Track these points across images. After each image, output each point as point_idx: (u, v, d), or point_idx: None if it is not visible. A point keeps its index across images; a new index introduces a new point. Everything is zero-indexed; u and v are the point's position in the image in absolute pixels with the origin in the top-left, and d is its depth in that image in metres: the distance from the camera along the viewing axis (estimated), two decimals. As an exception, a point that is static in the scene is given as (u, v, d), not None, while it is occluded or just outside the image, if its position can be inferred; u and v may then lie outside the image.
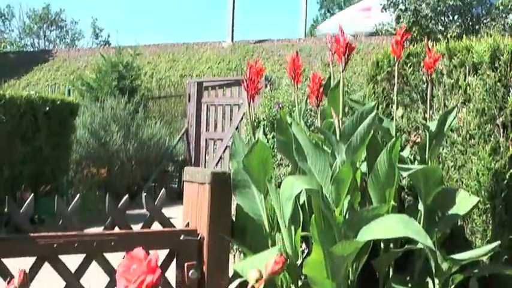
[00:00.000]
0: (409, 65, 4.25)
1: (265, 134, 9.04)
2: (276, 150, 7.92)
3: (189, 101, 12.35)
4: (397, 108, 4.01)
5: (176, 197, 11.63)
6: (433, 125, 3.58)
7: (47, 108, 9.43)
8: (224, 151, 11.58)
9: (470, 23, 17.81)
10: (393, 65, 4.19)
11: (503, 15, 17.23)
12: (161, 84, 20.26)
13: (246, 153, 3.16)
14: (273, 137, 9.02)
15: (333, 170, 3.11)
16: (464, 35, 13.25)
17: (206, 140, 12.27)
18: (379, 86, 4.39)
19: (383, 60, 4.39)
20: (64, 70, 27.97)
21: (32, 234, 3.07)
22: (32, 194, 3.44)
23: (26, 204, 3.11)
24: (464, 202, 3.61)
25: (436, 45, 4.32)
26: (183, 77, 22.79)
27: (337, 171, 3.03)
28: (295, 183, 3.00)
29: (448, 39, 13.77)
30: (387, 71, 4.34)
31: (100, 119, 11.55)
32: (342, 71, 3.28)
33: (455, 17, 18.19)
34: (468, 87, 3.90)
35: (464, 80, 3.92)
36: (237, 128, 11.26)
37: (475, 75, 3.87)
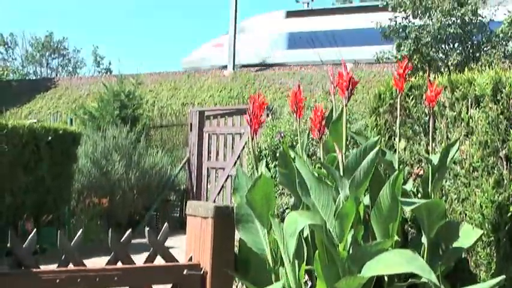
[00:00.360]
0: (411, 98, 4.26)
1: (267, 164, 9.06)
2: (278, 180, 7.91)
3: (191, 130, 12.37)
4: (399, 140, 4.01)
5: (178, 226, 11.60)
6: (435, 158, 3.58)
7: (50, 138, 9.44)
8: (226, 180, 11.57)
9: (471, 51, 17.86)
10: (395, 97, 4.20)
11: (504, 42, 17.28)
12: (163, 112, 20.31)
13: (249, 187, 3.16)
14: (274, 167, 9.02)
15: (337, 205, 3.11)
16: (465, 63, 13.24)
17: (208, 169, 12.26)
18: (381, 118, 4.39)
19: (385, 92, 4.40)
20: (66, 98, 28.07)
21: (34, 270, 3.06)
22: (35, 229, 3.43)
23: (28, 239, 3.09)
24: (468, 235, 3.60)
25: (437, 76, 4.34)
26: (184, 105, 22.85)
27: (341, 207, 3.03)
28: (299, 219, 2.99)
29: (449, 69, 13.77)
30: (389, 103, 4.35)
31: (102, 148, 11.55)
32: (345, 106, 3.29)
33: (456, 45, 18.25)
34: (471, 120, 3.90)
35: (467, 113, 3.93)
36: (238, 157, 11.26)
37: (478, 108, 3.88)
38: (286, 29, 27.58)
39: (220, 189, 11.81)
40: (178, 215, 12.81)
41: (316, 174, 3.43)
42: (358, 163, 3.14)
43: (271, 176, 8.21)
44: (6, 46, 49.14)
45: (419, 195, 3.91)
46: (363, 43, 24.42)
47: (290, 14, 28.46)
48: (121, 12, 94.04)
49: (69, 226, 9.86)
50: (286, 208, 8.28)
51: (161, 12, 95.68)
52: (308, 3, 38.16)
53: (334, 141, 3.41)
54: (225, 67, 26.34)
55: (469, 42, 18.04)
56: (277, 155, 8.89)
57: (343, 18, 26.97)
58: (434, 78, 4.30)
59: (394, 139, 4.23)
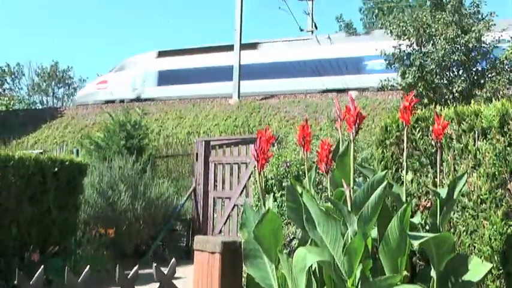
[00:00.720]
0: (417, 130, 4.27)
1: (273, 193, 9.04)
2: (284, 209, 7.89)
3: (197, 160, 12.36)
4: (406, 172, 4.00)
5: (185, 256, 11.55)
6: (443, 192, 3.57)
7: (56, 169, 9.43)
8: (232, 209, 11.53)
9: (476, 77, 17.90)
10: (402, 129, 4.20)
11: (508, 69, 17.33)
12: (168, 141, 20.34)
13: (256, 223, 3.15)
14: (281, 196, 9.02)
15: (345, 241, 3.09)
16: (469, 90, 13.23)
17: (214, 198, 12.24)
18: (388, 150, 4.39)
19: (391, 124, 4.40)
20: (72, 128, 28.18)
21: (41, 308, 3.05)
22: (42, 266, 3.42)
23: (35, 276, 3.09)
24: (477, 268, 3.57)
25: (443, 108, 4.34)
26: (190, 134, 22.92)
27: (349, 242, 3.02)
28: (308, 256, 2.98)
29: (454, 96, 13.74)
30: (396, 136, 4.35)
31: (108, 178, 11.54)
32: (352, 141, 3.29)
33: (460, 72, 18.29)
34: (478, 152, 3.90)
35: (474, 145, 3.93)
36: (244, 186, 11.24)
37: (485, 140, 3.88)
38: (156, 67, 30.74)
39: (227, 218, 11.77)
40: (184, 244, 12.75)
41: (324, 208, 3.42)
42: (366, 198, 3.13)
43: (278, 206, 8.23)
44: (12, 76, 49.51)
45: (427, 227, 3.89)
46: (220, 79, 28.01)
47: (161, 54, 31.75)
48: (122, 43, 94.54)
49: (75, 257, 9.82)
50: (293, 238, 8.26)
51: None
52: (312, 32, 38.52)
53: (341, 175, 3.40)
54: (111, 101, 29.79)
55: (474, 69, 18.09)
56: (283, 184, 8.91)
57: (205, 57, 30.09)
58: (441, 109, 4.30)
59: (401, 171, 4.22)
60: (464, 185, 3.59)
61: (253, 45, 29.70)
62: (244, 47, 27.96)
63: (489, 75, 17.77)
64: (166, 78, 30.19)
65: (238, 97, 25.90)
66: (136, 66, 31.46)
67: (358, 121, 3.28)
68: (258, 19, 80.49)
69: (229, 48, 28.22)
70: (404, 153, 3.83)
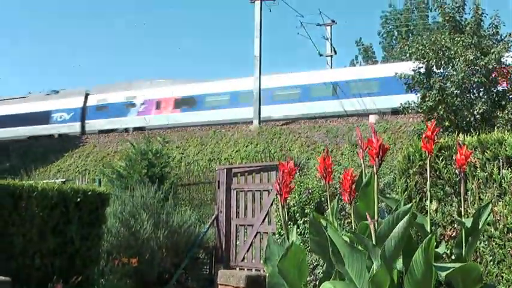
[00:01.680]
0: (441, 159, 4.24)
1: (295, 220, 9.01)
2: (307, 236, 7.85)
3: (219, 187, 12.33)
4: (430, 202, 3.97)
5: (207, 284, 11.51)
6: (468, 221, 3.53)
7: (78, 199, 9.47)
8: (255, 237, 11.48)
9: (496, 99, 17.81)
10: (425, 159, 4.17)
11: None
12: (190, 169, 20.38)
13: (280, 257, 3.14)
14: (303, 223, 8.98)
15: (371, 274, 3.07)
16: (491, 111, 13.15)
17: (236, 226, 12.19)
18: (411, 179, 4.36)
19: (414, 154, 4.37)
20: (94, 156, 28.36)
21: None
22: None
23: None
24: (505, 298, 3.52)
25: (465, 134, 4.31)
26: (211, 161, 22.97)
27: (374, 275, 2.99)
28: (334, 291, 2.96)
29: (475, 118, 13.65)
30: (419, 165, 4.32)
31: (130, 207, 11.55)
32: (376, 173, 3.27)
33: (481, 93, 18.21)
34: (503, 181, 3.86)
35: (499, 174, 3.89)
36: (267, 214, 11.19)
37: (510, 168, 3.84)
38: None
39: (250, 246, 11.71)
40: (207, 272, 12.70)
41: (348, 239, 3.40)
42: (391, 231, 3.10)
43: (300, 233, 8.18)
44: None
45: (452, 257, 3.84)
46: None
47: None
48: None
49: (98, 287, 9.83)
50: (317, 265, 8.21)
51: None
52: (332, 57, 38.63)
53: (365, 207, 3.38)
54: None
55: (494, 91, 18.01)
56: (306, 211, 8.87)
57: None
58: (464, 137, 4.27)
59: (425, 201, 4.19)
60: (489, 214, 3.55)
61: None
62: None
63: (510, 96, 17.69)
64: None
65: (259, 123, 25.94)
66: None
67: (381, 153, 3.26)
68: (277, 46, 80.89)
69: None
70: (428, 183, 3.80)
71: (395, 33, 56.26)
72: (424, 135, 3.69)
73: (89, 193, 9.72)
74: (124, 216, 11.42)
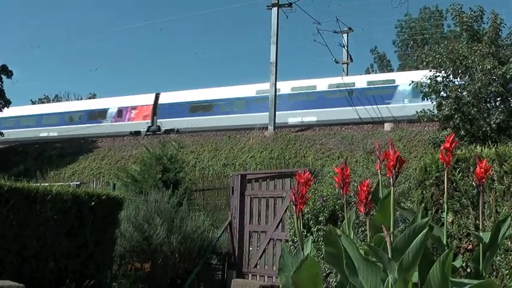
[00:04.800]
0: (458, 170, 4.20)
1: (309, 228, 8.98)
2: (320, 244, 7.82)
3: (233, 193, 12.33)
4: (446, 214, 3.93)
5: (220, 290, 11.52)
6: (486, 236, 3.49)
7: (93, 203, 9.48)
8: (268, 243, 11.46)
9: (513, 109, 17.71)
10: (441, 170, 4.13)
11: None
12: (204, 174, 20.40)
13: (295, 269, 3.11)
14: (317, 231, 8.95)
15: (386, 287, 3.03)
16: (507, 121, 13.04)
17: (250, 232, 12.18)
18: (427, 191, 4.32)
19: (431, 165, 4.34)
20: (109, 159, 28.43)
21: None
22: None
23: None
24: (521, 314, 3.48)
25: (482, 145, 4.27)
26: (225, 166, 22.95)
27: (392, 291, 2.95)
28: (348, 304, 2.93)
29: (492, 128, 13.55)
30: (435, 176, 4.28)
31: (144, 212, 11.56)
32: (392, 185, 3.23)
33: (498, 103, 18.11)
34: (520, 194, 3.82)
35: (516, 187, 3.85)
36: (280, 220, 11.17)
37: (527, 182, 3.80)
38: None
39: (262, 253, 11.70)
40: (220, 278, 12.69)
41: (363, 252, 3.36)
42: (407, 244, 3.07)
43: (314, 240, 8.14)
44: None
45: (468, 270, 3.80)
46: None
47: None
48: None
49: (111, 291, 9.84)
50: (329, 273, 8.18)
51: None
52: (348, 64, 38.60)
53: (382, 219, 3.35)
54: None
55: (511, 100, 17.90)
56: (320, 219, 8.84)
57: None
58: (481, 149, 4.23)
59: (441, 212, 4.15)
60: (508, 228, 3.50)
61: None
62: None
63: (528, 107, 17.58)
64: None
65: (274, 129, 25.94)
66: None
67: (398, 165, 3.23)
68: (293, 52, 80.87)
69: None
70: (445, 195, 3.76)
71: (411, 42, 56.20)
72: (442, 147, 3.65)
73: (103, 197, 9.73)
74: (138, 221, 11.42)
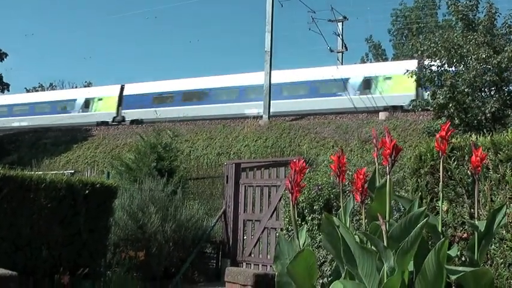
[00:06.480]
0: (453, 159, 4.18)
1: (304, 217, 8.96)
2: (314, 232, 7.82)
3: (227, 182, 12.33)
4: (442, 202, 3.92)
5: (214, 278, 11.52)
6: (481, 225, 3.48)
7: (87, 192, 9.44)
8: (262, 232, 11.47)
9: (508, 98, 17.70)
10: (436, 159, 4.12)
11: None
12: (199, 163, 20.37)
13: (291, 259, 3.10)
14: (312, 220, 8.94)
15: (381, 277, 3.03)
16: (502, 110, 13.06)
17: (244, 221, 12.19)
18: (422, 179, 4.31)
19: (426, 154, 4.32)
20: (103, 148, 28.34)
21: None
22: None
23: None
24: (516, 302, 3.48)
25: (477, 134, 4.26)
26: (220, 155, 22.89)
27: (387, 280, 2.95)
28: (344, 291, 2.92)
29: (486, 117, 13.56)
30: (430, 165, 4.27)
31: (138, 200, 11.53)
32: (388, 173, 3.22)
33: (493, 92, 18.11)
34: (515, 182, 3.81)
35: (511, 175, 3.83)
36: (275, 209, 11.18)
37: (523, 171, 3.79)
38: None
39: (257, 241, 11.71)
40: (214, 266, 12.70)
41: (358, 239, 3.36)
42: (403, 233, 3.06)
43: (308, 229, 8.13)
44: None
45: (463, 259, 3.80)
46: None
47: None
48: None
49: (104, 279, 9.82)
50: (324, 261, 8.17)
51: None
52: (343, 53, 38.57)
53: (379, 208, 3.34)
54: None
55: (506, 89, 17.89)
56: (314, 207, 8.83)
57: None
58: (476, 137, 4.21)
59: (436, 201, 4.14)
60: (503, 217, 3.50)
61: None
62: None
63: (523, 95, 17.60)
64: None
65: (268, 118, 25.90)
66: None
67: (394, 153, 3.21)
68: (287, 39, 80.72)
69: None
70: (441, 184, 3.75)
71: (405, 31, 56.15)
72: (438, 135, 3.64)
73: (97, 186, 9.69)
74: (132, 209, 11.41)
